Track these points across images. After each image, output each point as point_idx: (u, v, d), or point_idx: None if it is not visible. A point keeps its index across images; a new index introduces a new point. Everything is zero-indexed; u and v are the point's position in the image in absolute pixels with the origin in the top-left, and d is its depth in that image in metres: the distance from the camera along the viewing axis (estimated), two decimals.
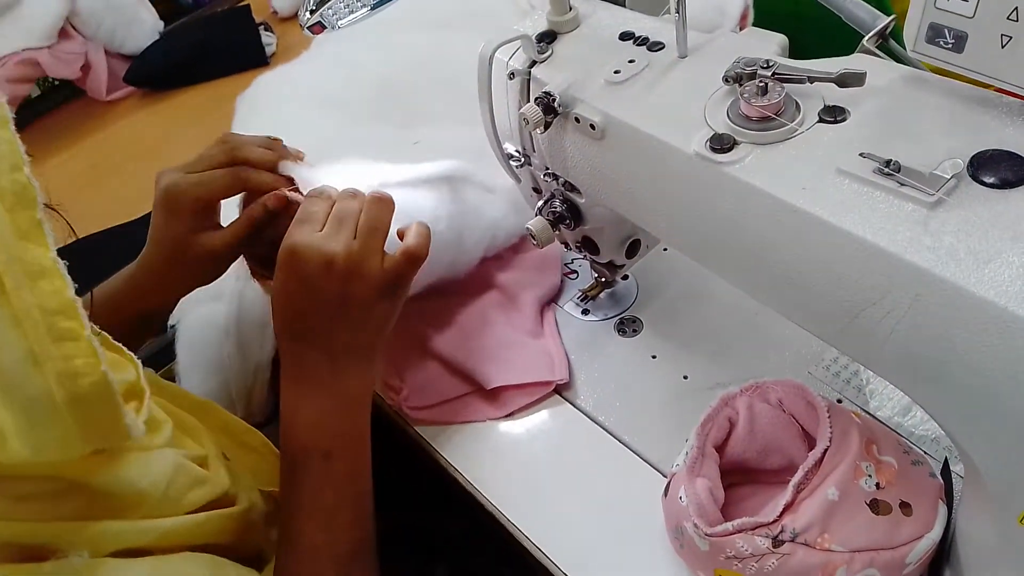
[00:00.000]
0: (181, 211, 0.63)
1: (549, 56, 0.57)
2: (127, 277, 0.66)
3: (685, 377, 0.69)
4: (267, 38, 1.27)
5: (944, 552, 0.52)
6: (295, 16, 1.30)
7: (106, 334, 0.51)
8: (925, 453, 0.59)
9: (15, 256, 0.36)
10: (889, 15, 0.51)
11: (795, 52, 0.52)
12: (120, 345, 0.51)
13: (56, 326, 0.37)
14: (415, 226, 0.59)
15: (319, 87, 0.94)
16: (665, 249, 0.79)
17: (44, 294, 0.36)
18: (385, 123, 0.89)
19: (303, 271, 0.55)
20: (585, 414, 0.69)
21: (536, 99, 0.53)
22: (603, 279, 0.75)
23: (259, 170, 0.65)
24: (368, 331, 0.58)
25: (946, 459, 0.57)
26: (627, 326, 0.75)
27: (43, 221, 0.37)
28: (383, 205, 0.58)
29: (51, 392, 0.36)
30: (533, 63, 0.57)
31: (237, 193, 0.66)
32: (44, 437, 0.37)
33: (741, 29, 0.76)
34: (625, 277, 0.77)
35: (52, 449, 0.38)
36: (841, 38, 0.55)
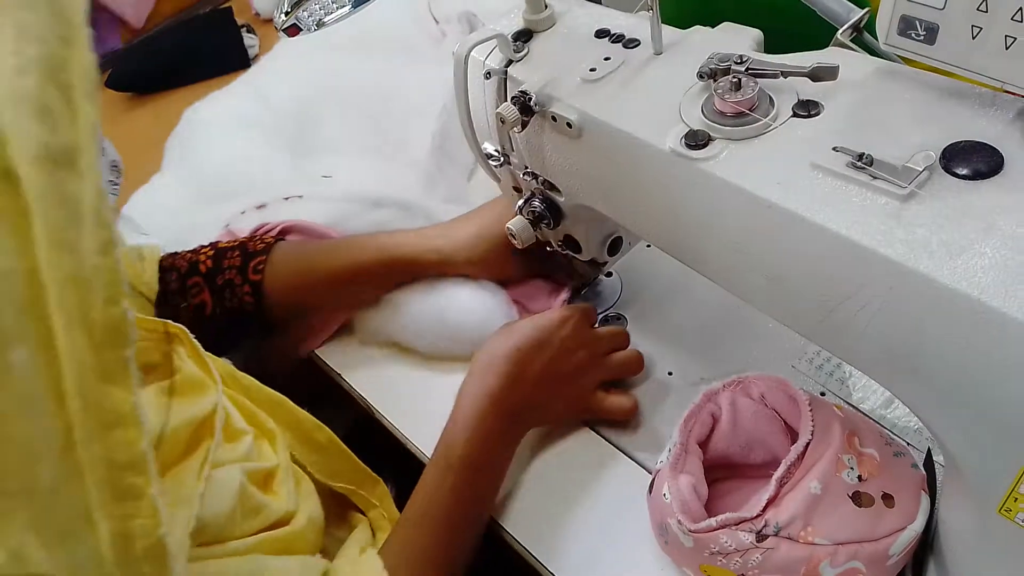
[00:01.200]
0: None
1: (525, 55, 0.57)
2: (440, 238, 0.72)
3: (670, 373, 0.69)
4: (249, 40, 1.27)
5: (928, 542, 0.52)
6: None
7: (197, 345, 0.53)
8: (908, 444, 0.59)
9: (93, 402, 0.32)
10: (863, 8, 0.51)
11: (770, 46, 0.52)
12: (209, 361, 0.53)
13: (121, 482, 0.33)
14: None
15: (243, 109, 0.98)
16: (648, 246, 0.79)
17: (116, 445, 0.33)
18: (295, 152, 0.92)
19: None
20: None
21: (512, 98, 0.53)
22: (587, 277, 0.75)
23: None
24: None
25: (928, 450, 0.58)
26: (611, 323, 0.75)
27: (130, 359, 0.33)
28: None
29: (102, 554, 0.33)
30: (509, 62, 0.57)
31: None
32: None
33: None
34: (608, 275, 0.77)
35: None
36: (816, 31, 0.55)
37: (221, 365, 0.59)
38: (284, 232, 0.76)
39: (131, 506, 0.34)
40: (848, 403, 0.64)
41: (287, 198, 0.78)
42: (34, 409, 0.31)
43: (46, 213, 0.30)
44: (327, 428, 0.64)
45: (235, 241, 0.75)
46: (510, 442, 0.63)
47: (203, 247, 0.74)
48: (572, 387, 0.64)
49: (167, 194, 0.91)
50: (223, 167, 0.90)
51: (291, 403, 0.63)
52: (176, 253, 0.74)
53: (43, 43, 0.30)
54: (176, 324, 0.53)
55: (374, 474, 0.65)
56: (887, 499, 0.51)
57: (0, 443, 0.30)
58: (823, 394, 0.65)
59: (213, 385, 0.52)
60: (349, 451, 0.65)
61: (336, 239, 0.77)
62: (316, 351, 0.78)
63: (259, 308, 0.72)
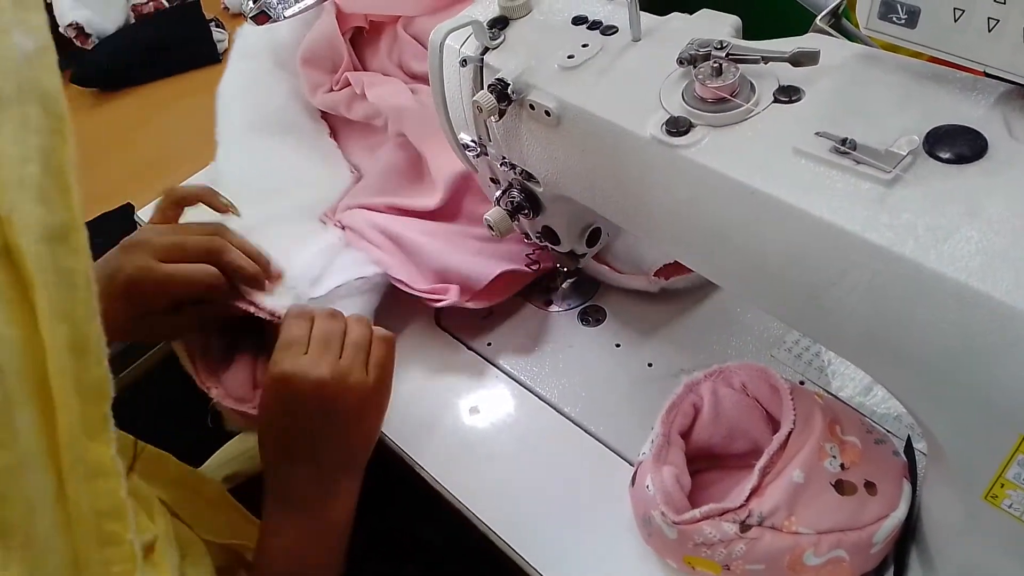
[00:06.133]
0: (146, 302, 0.60)
1: (501, 42, 0.56)
2: None
3: (649, 365, 0.69)
4: (218, 35, 1.24)
5: (910, 530, 0.52)
6: None
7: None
8: (888, 432, 0.59)
9: (79, 455, 0.35)
10: None
11: (748, 34, 0.51)
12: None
13: (103, 529, 0.36)
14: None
15: None
16: None
17: (99, 494, 0.36)
18: None
19: (295, 397, 0.56)
20: (550, 405, 0.68)
21: (489, 86, 0.52)
22: (565, 269, 0.74)
23: (239, 273, 0.63)
24: (358, 439, 0.60)
25: (908, 437, 0.58)
26: (590, 315, 0.74)
27: (108, 415, 0.36)
28: (363, 324, 0.61)
29: None
30: (486, 49, 0.56)
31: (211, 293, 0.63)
32: None
33: None
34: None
35: None
36: (794, 18, 0.55)
37: None
38: None
39: (112, 552, 0.36)
40: (827, 392, 0.64)
41: None
42: (35, 465, 0.34)
43: (46, 286, 0.33)
44: (216, 482, 0.62)
45: None
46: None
47: None
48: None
49: None
50: None
51: (174, 459, 0.60)
52: None
53: (40, 134, 0.34)
54: None
55: None
56: (869, 487, 0.51)
57: (7, 499, 0.33)
58: (802, 383, 0.64)
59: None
60: (239, 505, 0.62)
61: None
62: None
63: None
